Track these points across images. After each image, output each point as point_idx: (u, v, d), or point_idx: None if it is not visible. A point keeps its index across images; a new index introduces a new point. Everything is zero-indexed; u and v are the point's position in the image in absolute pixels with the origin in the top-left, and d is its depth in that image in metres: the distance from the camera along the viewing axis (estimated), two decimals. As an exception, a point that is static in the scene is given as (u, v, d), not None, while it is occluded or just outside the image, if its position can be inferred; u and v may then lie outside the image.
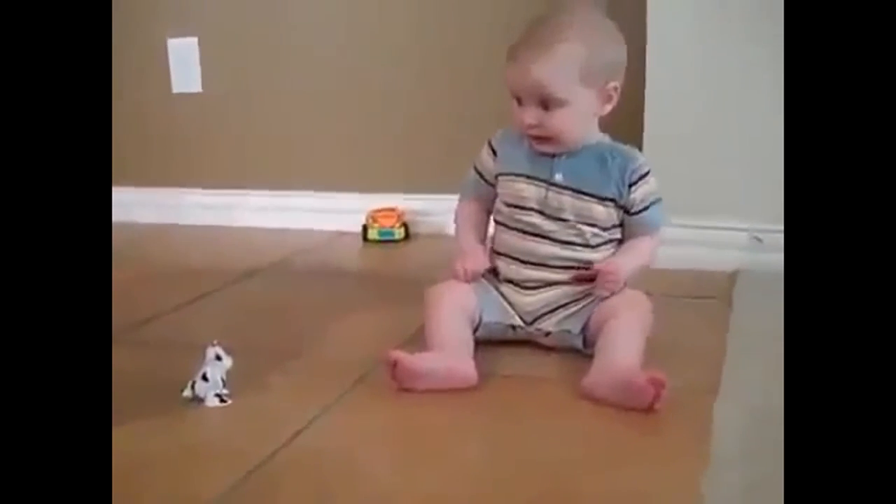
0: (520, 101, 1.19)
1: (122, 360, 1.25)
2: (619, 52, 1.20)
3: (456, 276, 1.24)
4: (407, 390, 1.10)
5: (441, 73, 1.99)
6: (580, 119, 1.19)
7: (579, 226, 1.21)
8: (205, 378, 1.07)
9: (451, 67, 1.99)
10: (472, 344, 1.18)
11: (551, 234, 1.22)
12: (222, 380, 1.08)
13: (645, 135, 1.58)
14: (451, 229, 1.92)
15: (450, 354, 1.13)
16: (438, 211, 2.00)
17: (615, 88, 1.19)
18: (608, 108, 1.20)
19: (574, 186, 1.21)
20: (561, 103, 1.16)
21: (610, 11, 1.56)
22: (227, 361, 1.08)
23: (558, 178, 1.21)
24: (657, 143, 1.56)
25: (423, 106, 2.03)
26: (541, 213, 1.22)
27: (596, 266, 1.19)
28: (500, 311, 1.24)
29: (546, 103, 1.16)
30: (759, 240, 1.57)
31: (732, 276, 1.54)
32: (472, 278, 1.24)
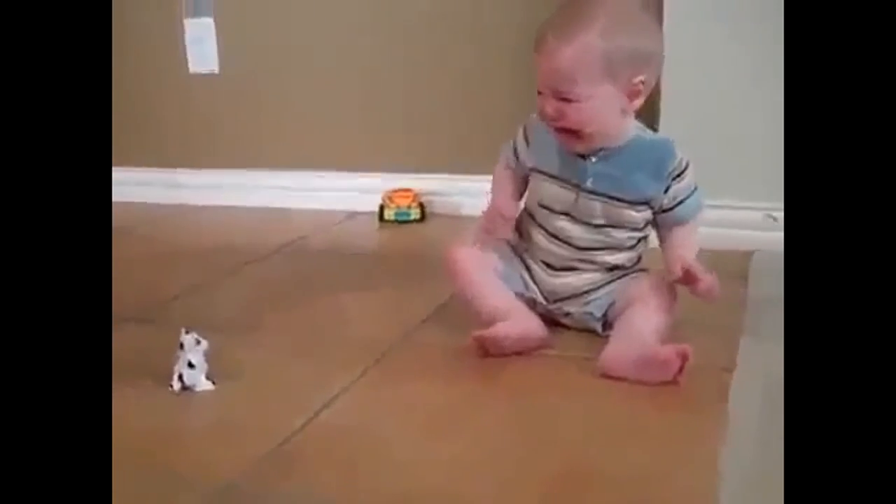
0: (541, 92, 1.15)
1: (145, 339, 1.28)
2: (647, 45, 1.14)
3: (489, 229, 1.22)
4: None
5: (457, 52, 2.00)
6: (603, 114, 1.13)
7: (609, 230, 1.20)
8: (191, 365, 1.07)
9: (467, 47, 1.99)
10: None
11: (577, 242, 1.20)
12: (205, 362, 1.08)
13: (661, 113, 1.59)
14: (466, 210, 1.95)
15: (518, 319, 1.18)
16: (453, 191, 2.02)
17: (643, 83, 1.13)
18: (637, 103, 1.14)
19: (606, 192, 1.18)
20: (579, 97, 1.11)
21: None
22: (205, 343, 1.08)
23: (590, 183, 1.18)
24: (672, 122, 1.57)
25: (438, 86, 2.03)
26: (570, 216, 1.20)
27: (699, 286, 1.12)
28: (522, 284, 1.24)
29: (565, 96, 1.12)
30: (775, 219, 1.58)
31: (748, 256, 1.55)
32: (508, 222, 1.22)
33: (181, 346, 1.08)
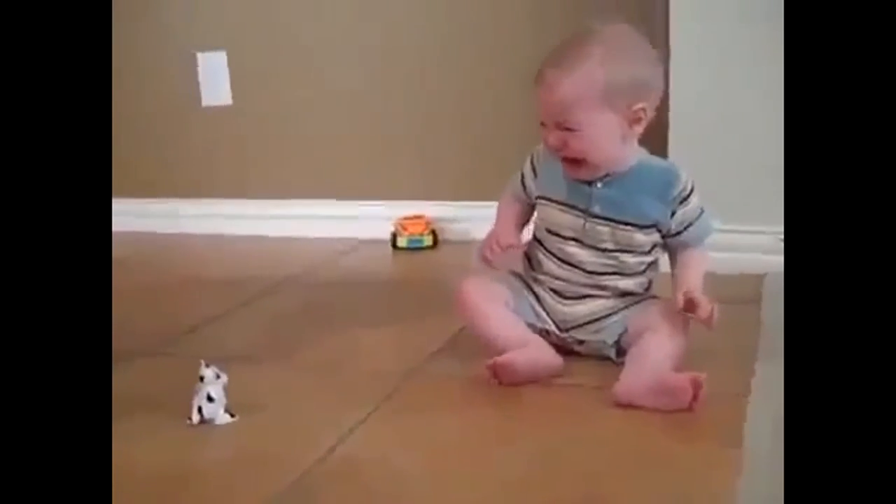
0: (544, 123, 1.17)
1: (162, 372, 1.29)
2: (647, 73, 1.16)
3: (486, 257, 1.25)
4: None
5: (466, 80, 2.01)
6: (605, 141, 1.15)
7: (619, 254, 1.21)
8: (210, 399, 1.08)
9: (476, 75, 2.01)
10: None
11: (586, 266, 1.21)
12: (225, 396, 1.09)
13: (670, 138, 1.59)
14: (478, 235, 1.95)
15: (530, 347, 1.19)
16: (464, 217, 2.03)
17: (643, 110, 1.15)
18: (638, 129, 1.16)
19: (613, 217, 1.19)
20: (580, 126, 1.13)
21: (631, 17, 1.58)
22: (225, 377, 1.09)
23: (597, 209, 1.19)
24: (682, 146, 1.57)
25: (448, 113, 2.05)
26: (579, 241, 1.21)
27: (699, 313, 1.13)
28: (533, 314, 1.25)
29: (567, 126, 1.14)
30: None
31: (760, 280, 1.55)
32: (504, 250, 1.24)
33: (201, 378, 1.09)
